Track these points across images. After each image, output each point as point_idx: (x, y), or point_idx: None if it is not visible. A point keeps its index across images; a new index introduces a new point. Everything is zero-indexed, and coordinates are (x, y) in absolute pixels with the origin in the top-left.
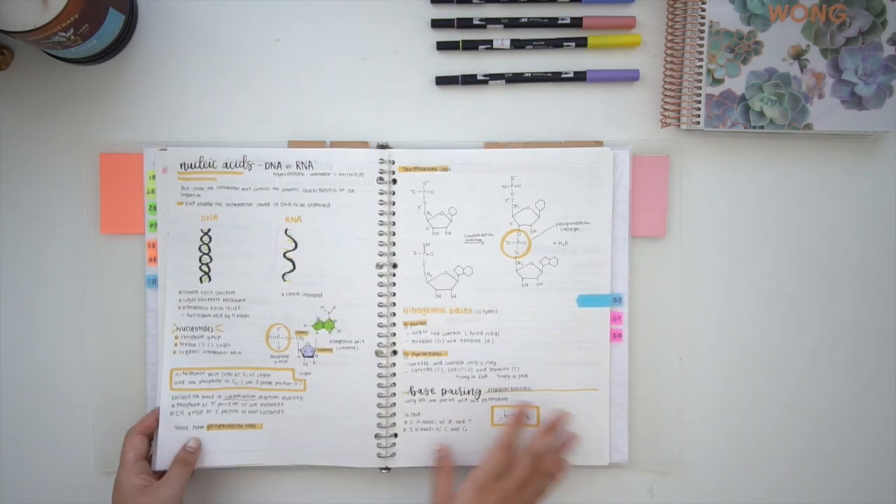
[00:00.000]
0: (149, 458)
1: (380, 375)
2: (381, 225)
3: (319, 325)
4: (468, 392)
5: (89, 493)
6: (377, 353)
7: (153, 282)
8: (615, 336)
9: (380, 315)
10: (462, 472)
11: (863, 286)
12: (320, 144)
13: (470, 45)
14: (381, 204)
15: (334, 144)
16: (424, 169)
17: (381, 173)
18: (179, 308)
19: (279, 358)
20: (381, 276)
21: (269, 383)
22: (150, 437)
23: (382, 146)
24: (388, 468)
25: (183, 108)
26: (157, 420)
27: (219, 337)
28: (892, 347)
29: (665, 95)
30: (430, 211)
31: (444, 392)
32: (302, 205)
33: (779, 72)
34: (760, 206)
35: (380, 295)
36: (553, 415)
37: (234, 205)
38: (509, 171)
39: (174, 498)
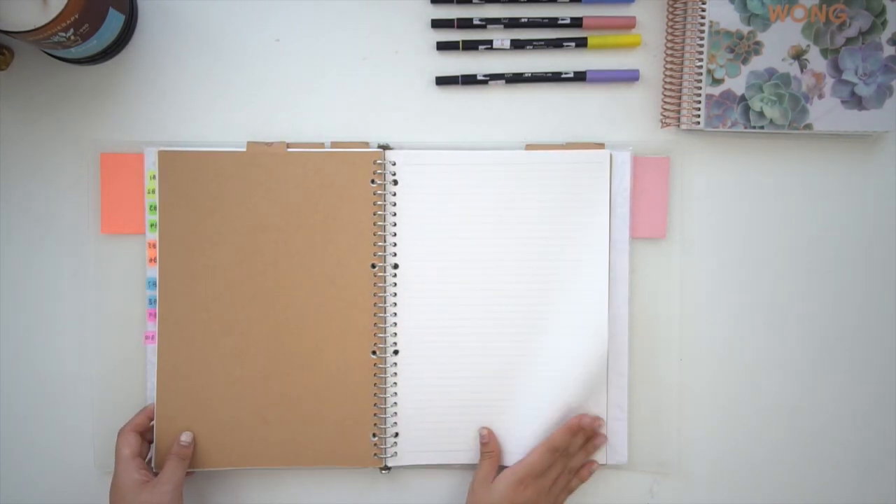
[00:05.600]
0: (143, 456)
1: (379, 375)
2: (381, 226)
3: None
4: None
5: (89, 493)
6: (377, 353)
7: (153, 283)
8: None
9: (380, 315)
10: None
11: (864, 286)
12: (320, 146)
13: (470, 45)
14: (381, 204)
15: (335, 145)
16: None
17: (381, 174)
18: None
19: None
20: (381, 276)
21: None
22: (143, 434)
23: (383, 146)
24: (388, 468)
25: (183, 108)
26: (149, 418)
27: None
28: (893, 347)
29: (665, 96)
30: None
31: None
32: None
33: (779, 72)
34: (760, 206)
35: (380, 295)
36: (584, 419)
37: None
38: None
39: (175, 492)
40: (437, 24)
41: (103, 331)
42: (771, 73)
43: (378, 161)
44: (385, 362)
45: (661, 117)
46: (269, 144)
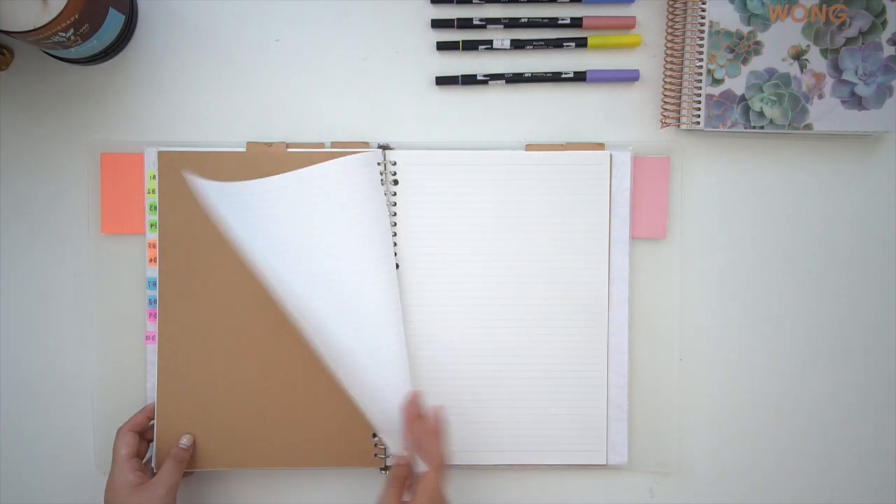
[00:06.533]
0: (141, 456)
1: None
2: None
3: None
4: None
5: (89, 493)
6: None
7: (153, 283)
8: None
9: None
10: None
11: (863, 286)
12: (320, 146)
13: (470, 46)
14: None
15: (335, 145)
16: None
17: (381, 174)
18: None
19: None
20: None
21: None
22: (142, 433)
23: (384, 147)
24: (387, 468)
25: (183, 109)
26: (149, 418)
27: None
28: (892, 348)
29: (665, 96)
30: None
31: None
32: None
33: (779, 72)
34: (760, 206)
35: None
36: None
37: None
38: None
39: (168, 496)
40: (437, 24)
41: (103, 331)
42: (771, 73)
43: (378, 161)
44: None
45: (661, 117)
46: (269, 144)
